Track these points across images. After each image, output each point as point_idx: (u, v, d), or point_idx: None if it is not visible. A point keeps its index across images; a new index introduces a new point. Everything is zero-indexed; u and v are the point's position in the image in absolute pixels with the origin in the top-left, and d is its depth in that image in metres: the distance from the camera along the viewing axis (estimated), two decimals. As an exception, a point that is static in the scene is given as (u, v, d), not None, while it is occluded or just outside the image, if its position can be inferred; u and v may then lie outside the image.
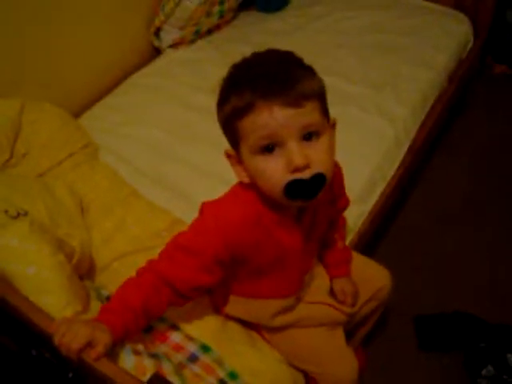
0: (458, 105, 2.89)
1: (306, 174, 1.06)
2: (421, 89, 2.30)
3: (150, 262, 1.24)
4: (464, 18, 2.74)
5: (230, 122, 1.10)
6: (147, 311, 1.19)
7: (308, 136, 1.07)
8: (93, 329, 1.11)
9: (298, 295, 1.46)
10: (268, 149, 1.07)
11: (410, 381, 1.97)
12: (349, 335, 1.65)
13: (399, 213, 2.52)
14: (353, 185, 1.86)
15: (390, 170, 2.06)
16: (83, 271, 1.54)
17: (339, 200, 1.48)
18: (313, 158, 1.06)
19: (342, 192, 1.48)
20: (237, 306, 1.45)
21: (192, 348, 1.37)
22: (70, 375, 1.28)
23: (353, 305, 1.56)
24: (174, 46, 2.59)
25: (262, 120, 1.04)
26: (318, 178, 1.08)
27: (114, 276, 1.53)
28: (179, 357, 1.35)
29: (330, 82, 2.30)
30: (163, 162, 1.97)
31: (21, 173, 1.84)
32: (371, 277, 1.66)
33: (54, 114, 2.03)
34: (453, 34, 2.61)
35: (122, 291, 1.21)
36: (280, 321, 1.46)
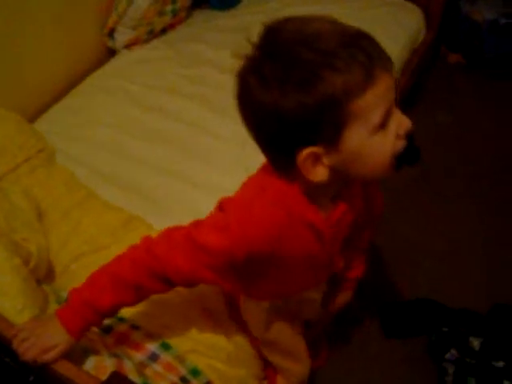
0: (412, 94, 2.92)
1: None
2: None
3: (146, 241, 1.14)
4: (416, 9, 2.78)
5: (334, 106, 0.87)
6: (117, 307, 1.17)
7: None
8: (51, 337, 1.12)
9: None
10: (384, 122, 0.93)
11: (376, 368, 1.99)
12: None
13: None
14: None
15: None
16: (41, 275, 1.53)
17: (374, 200, 1.35)
18: None
19: (376, 190, 1.36)
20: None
21: (152, 347, 1.37)
22: (31, 379, 1.28)
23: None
24: (129, 46, 2.57)
25: (383, 90, 0.90)
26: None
27: (73, 278, 1.52)
28: (140, 356, 1.34)
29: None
30: (120, 162, 1.97)
31: (-24, 179, 1.82)
32: None
33: (9, 119, 2.00)
34: (405, 25, 2.65)
35: (92, 288, 1.15)
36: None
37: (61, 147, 2.04)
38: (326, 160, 0.94)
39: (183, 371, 1.36)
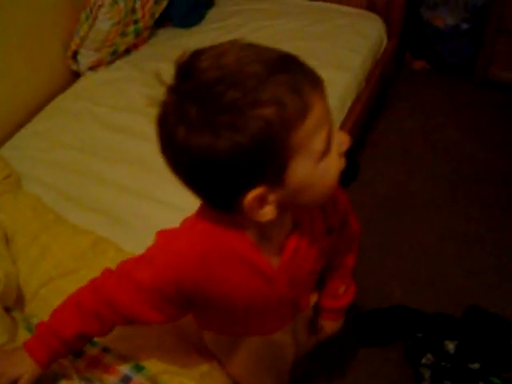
0: (379, 103, 2.96)
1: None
2: (338, 91, 2.34)
3: (93, 283, 1.13)
4: (376, 18, 2.81)
5: (272, 143, 0.79)
6: (83, 337, 1.16)
7: None
8: (16, 366, 1.11)
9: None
10: (327, 145, 0.87)
11: (353, 376, 1.99)
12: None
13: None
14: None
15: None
16: (10, 302, 1.52)
17: (343, 228, 1.27)
18: None
19: (346, 219, 1.27)
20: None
21: (125, 369, 1.35)
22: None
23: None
24: (93, 68, 2.57)
25: (320, 115, 0.83)
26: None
27: (43, 303, 1.52)
28: (112, 379, 1.33)
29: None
30: (87, 184, 1.96)
31: None
32: None
33: (-26, 147, 1.99)
34: (366, 35, 2.67)
35: (57, 317, 1.14)
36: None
37: (26, 172, 2.03)
38: (272, 197, 0.86)
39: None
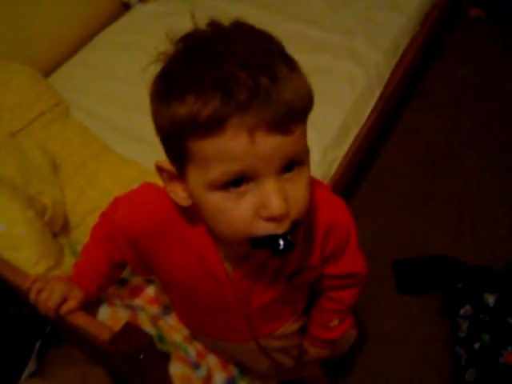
0: (432, 49, 2.88)
1: (283, 227, 0.79)
2: (393, 33, 2.28)
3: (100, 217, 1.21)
4: (436, -38, 2.70)
5: (176, 134, 0.77)
6: (114, 265, 1.18)
7: (289, 167, 0.79)
8: (68, 286, 1.12)
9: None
10: (234, 183, 0.77)
11: (391, 323, 1.99)
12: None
13: (377, 157, 2.52)
14: (327, 130, 1.89)
15: (363, 115, 2.07)
16: (57, 228, 1.55)
17: (332, 263, 1.12)
18: (292, 199, 0.79)
19: (340, 255, 1.10)
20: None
21: (166, 301, 1.37)
22: (48, 329, 1.30)
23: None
24: (143, 0, 2.54)
25: (237, 149, 0.73)
26: (295, 227, 0.82)
27: (88, 231, 1.52)
28: (154, 309, 1.36)
29: (300, 28, 2.32)
30: (133, 116, 1.96)
31: (-8, 134, 1.82)
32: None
33: (24, 74, 2.00)
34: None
35: (88, 255, 1.19)
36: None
37: (75, 101, 2.05)
38: (182, 184, 0.85)
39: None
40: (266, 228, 0.79)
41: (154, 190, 1.03)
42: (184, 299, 1.18)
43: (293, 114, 0.74)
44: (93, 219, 1.60)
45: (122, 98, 2.06)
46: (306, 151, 0.82)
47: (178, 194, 0.86)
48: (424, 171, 2.47)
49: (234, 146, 0.73)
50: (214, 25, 0.80)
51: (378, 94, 2.14)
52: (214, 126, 0.72)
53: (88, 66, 2.24)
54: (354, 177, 2.14)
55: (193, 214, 0.93)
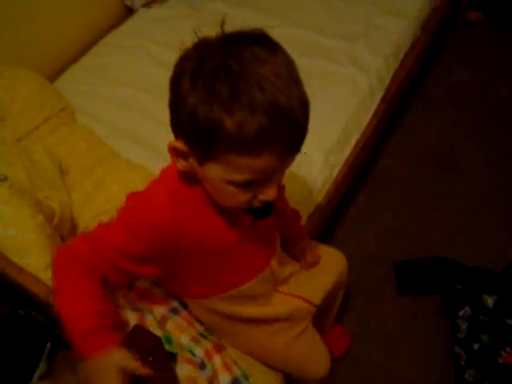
0: (432, 53, 2.90)
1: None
2: (394, 38, 2.30)
3: (69, 250, 1.09)
4: (436, -35, 2.72)
5: (211, 137, 0.85)
6: (105, 298, 1.09)
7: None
8: (107, 364, 1.02)
9: (265, 277, 1.34)
10: (245, 184, 0.93)
11: (391, 323, 2.02)
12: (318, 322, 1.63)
13: (378, 160, 2.55)
14: (328, 134, 1.91)
15: (365, 119, 2.09)
16: (65, 232, 1.56)
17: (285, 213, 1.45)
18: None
19: (286, 210, 1.46)
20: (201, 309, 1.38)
21: (174, 303, 1.40)
22: (58, 331, 1.32)
23: (313, 262, 1.57)
24: (147, 5, 2.57)
25: (268, 168, 0.90)
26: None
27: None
28: (162, 309, 1.38)
29: (302, 34, 2.33)
30: (139, 121, 1.99)
31: (-1, 139, 1.85)
32: (330, 264, 1.61)
33: (30, 79, 2.02)
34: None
35: (77, 309, 1.05)
36: (256, 312, 1.39)
37: (80, 106, 2.07)
38: (184, 162, 0.97)
39: (200, 328, 1.41)
40: (259, 204, 1.00)
41: (159, 184, 1.10)
42: (212, 264, 1.19)
43: (305, 135, 0.90)
44: (99, 223, 1.64)
45: (126, 102, 2.08)
46: None
47: (185, 167, 0.98)
48: (425, 174, 2.50)
49: (266, 165, 0.88)
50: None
51: (379, 98, 2.16)
52: (255, 148, 0.85)
53: (93, 70, 2.27)
54: (355, 180, 2.16)
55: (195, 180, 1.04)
